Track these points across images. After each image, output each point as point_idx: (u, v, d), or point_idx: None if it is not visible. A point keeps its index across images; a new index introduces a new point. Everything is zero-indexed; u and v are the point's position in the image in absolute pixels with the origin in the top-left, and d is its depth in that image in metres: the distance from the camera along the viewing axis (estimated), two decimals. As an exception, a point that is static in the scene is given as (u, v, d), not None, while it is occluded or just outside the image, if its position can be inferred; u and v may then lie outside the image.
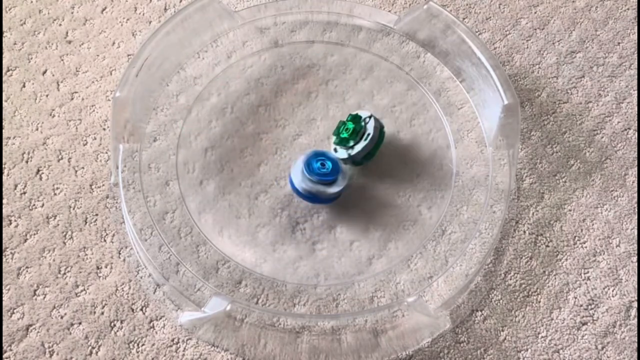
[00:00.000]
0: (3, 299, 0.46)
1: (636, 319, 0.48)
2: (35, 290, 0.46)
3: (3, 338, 0.45)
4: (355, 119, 0.50)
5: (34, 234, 0.48)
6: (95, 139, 0.52)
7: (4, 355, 0.44)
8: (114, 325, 0.46)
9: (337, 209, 0.51)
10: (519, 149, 0.54)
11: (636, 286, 0.50)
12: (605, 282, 0.50)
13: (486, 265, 0.49)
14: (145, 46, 0.50)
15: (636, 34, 0.60)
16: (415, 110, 0.55)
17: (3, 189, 0.50)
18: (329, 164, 0.48)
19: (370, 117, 0.50)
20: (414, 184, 0.52)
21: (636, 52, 0.59)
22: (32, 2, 0.58)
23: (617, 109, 0.57)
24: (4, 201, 0.49)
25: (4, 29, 0.57)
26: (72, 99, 0.54)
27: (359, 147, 0.49)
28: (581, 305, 0.49)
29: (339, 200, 0.51)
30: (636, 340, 0.48)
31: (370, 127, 0.49)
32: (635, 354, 0.47)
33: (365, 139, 0.49)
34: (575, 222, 0.52)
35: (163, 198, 0.50)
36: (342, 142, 0.50)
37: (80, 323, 0.46)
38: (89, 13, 0.58)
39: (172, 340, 0.46)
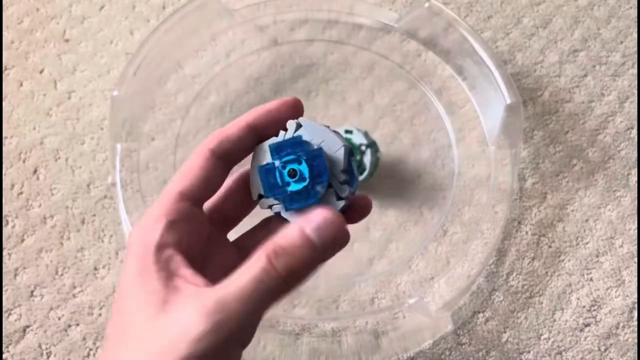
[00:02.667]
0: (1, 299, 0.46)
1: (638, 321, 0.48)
2: (32, 292, 0.46)
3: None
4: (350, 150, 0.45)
5: (31, 235, 0.48)
6: (92, 138, 0.52)
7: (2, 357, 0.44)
8: (112, 326, 0.45)
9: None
10: (522, 148, 0.53)
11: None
12: (608, 283, 0.49)
13: (488, 266, 0.49)
14: (143, 45, 0.50)
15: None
16: (416, 110, 0.54)
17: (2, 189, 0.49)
18: (304, 170, 0.25)
19: (367, 146, 0.46)
20: (415, 184, 0.51)
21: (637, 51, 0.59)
22: (29, 0, 0.57)
23: (620, 108, 0.56)
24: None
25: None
26: (70, 98, 0.53)
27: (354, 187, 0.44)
28: (584, 307, 0.48)
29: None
30: (638, 342, 0.47)
31: (367, 161, 0.46)
32: (637, 356, 0.47)
33: (362, 174, 0.47)
34: (578, 223, 0.51)
35: (161, 198, 0.49)
36: None
37: (77, 324, 0.45)
38: (87, 11, 0.57)
39: (171, 342, 0.45)
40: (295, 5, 0.57)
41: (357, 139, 0.47)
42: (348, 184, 0.26)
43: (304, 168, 0.25)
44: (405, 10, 0.59)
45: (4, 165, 0.50)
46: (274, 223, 0.27)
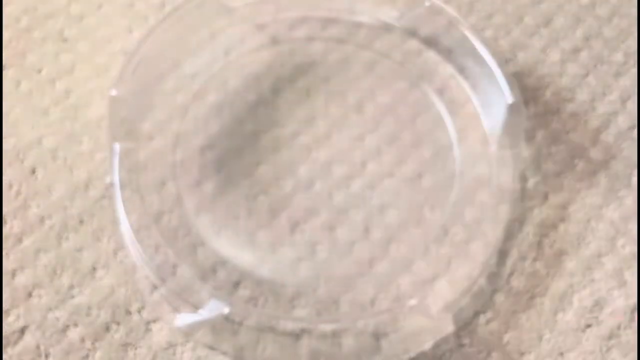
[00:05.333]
0: (-3, 301, 0.46)
1: (642, 322, 0.48)
2: (30, 292, 0.46)
3: (-3, 341, 0.44)
4: None
5: (29, 235, 0.48)
6: (91, 138, 0.51)
7: None
8: (110, 327, 0.45)
9: (337, 209, 0.50)
10: (523, 148, 0.53)
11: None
12: (610, 283, 0.49)
13: (489, 267, 0.49)
14: (142, 43, 0.50)
15: (641, 31, 0.60)
16: (417, 109, 0.54)
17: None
18: None
19: None
20: (416, 184, 0.51)
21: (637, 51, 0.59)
22: (27, -2, 0.57)
23: (622, 108, 0.56)
24: None
25: (-1, 26, 0.56)
26: (68, 97, 0.53)
27: None
28: (586, 307, 0.48)
29: (339, 200, 0.50)
30: (642, 343, 0.47)
31: None
32: None
33: None
34: (580, 223, 0.51)
35: (160, 198, 0.49)
36: None
37: (76, 325, 0.45)
38: (85, 10, 0.57)
39: (169, 343, 0.45)
40: (295, 4, 0.57)
41: None
42: None
43: None
44: (406, 9, 0.59)
45: (2, 165, 0.50)
46: None
